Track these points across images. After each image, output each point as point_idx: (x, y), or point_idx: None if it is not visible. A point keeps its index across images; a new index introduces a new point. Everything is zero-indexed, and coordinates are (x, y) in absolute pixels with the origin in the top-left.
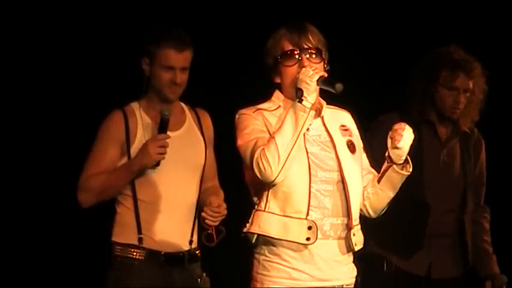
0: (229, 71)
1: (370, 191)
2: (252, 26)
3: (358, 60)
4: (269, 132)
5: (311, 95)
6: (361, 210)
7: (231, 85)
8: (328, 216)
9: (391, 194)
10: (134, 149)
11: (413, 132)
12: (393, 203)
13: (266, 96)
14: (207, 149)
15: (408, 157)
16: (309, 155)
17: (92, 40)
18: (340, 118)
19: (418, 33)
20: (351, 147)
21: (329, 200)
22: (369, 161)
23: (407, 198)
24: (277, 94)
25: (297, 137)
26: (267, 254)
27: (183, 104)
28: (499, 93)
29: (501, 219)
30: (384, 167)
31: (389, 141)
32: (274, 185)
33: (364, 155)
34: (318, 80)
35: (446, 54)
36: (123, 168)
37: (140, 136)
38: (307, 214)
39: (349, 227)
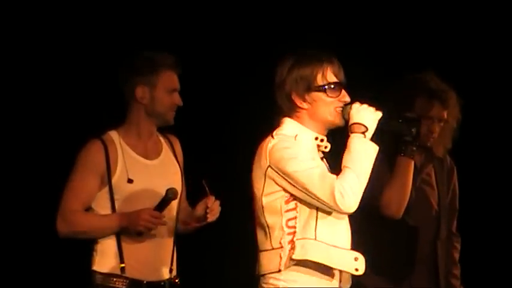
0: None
1: None
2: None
3: None
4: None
5: (372, 131)
6: None
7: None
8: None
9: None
10: (116, 179)
11: (389, 160)
12: (373, 230)
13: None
14: (182, 175)
15: None
16: None
17: (69, 67)
18: None
19: (391, 58)
20: None
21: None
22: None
23: (387, 225)
24: (291, 123)
25: (370, 172)
26: (289, 281)
27: (157, 132)
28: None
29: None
30: None
31: None
32: (322, 215)
33: None
34: (381, 120)
35: (423, 83)
36: (110, 222)
37: (121, 166)
38: (351, 245)
39: None
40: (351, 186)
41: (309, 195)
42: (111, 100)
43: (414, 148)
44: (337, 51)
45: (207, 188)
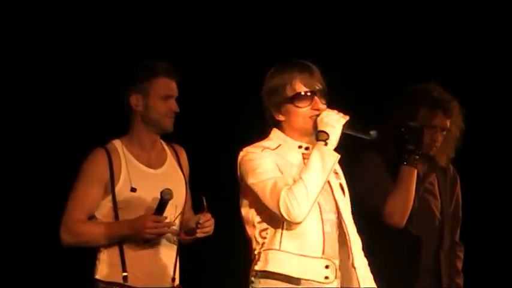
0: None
1: None
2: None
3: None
4: (280, 171)
5: (336, 139)
6: None
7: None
8: (329, 257)
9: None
10: (119, 188)
11: (392, 169)
12: (376, 239)
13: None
14: (186, 184)
15: None
16: None
17: (71, 76)
18: None
19: (393, 68)
20: (342, 190)
21: (329, 242)
22: (359, 192)
23: (390, 234)
24: (276, 133)
25: (325, 180)
26: None
27: (161, 141)
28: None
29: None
30: None
31: None
32: (289, 225)
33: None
34: (344, 125)
35: (426, 92)
36: (114, 229)
37: (125, 175)
38: (323, 253)
39: (351, 268)
40: (297, 197)
41: (264, 207)
42: (116, 109)
43: (417, 157)
44: (341, 62)
45: (205, 204)
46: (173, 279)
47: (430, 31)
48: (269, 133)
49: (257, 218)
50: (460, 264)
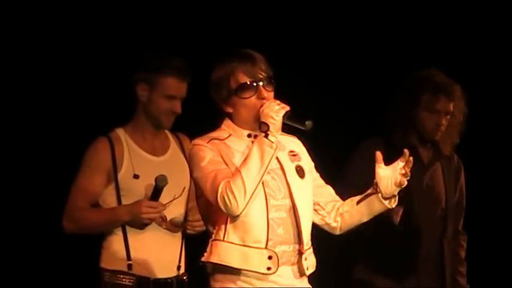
0: None
1: (346, 208)
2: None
3: (333, 86)
4: (225, 162)
5: (277, 129)
6: (327, 225)
7: None
8: (281, 244)
9: (365, 219)
10: (121, 175)
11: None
12: (383, 227)
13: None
14: (190, 172)
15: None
16: (264, 184)
17: (77, 65)
18: (288, 144)
19: (395, 57)
20: (300, 172)
21: (282, 228)
22: (348, 187)
23: (392, 223)
24: (227, 122)
25: (264, 172)
26: (224, 282)
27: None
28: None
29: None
30: (368, 192)
31: (390, 171)
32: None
33: (317, 175)
34: (284, 116)
35: (428, 78)
36: (113, 214)
37: (127, 162)
38: (267, 244)
39: (300, 253)
40: (234, 191)
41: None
42: (121, 98)
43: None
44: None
45: None
46: (178, 268)
47: (430, 21)
48: (221, 123)
49: (208, 210)
50: (463, 253)
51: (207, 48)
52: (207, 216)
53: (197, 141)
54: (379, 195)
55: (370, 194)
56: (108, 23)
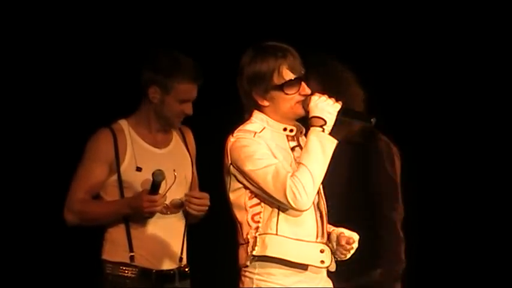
0: None
1: None
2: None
3: None
4: (274, 156)
5: (331, 124)
6: None
7: None
8: (322, 239)
9: None
10: (124, 167)
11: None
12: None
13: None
14: (193, 165)
15: None
16: None
17: (81, 56)
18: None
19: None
20: None
21: (321, 223)
22: None
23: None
24: (259, 115)
25: (327, 166)
26: (262, 273)
27: None
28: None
29: None
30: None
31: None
32: (284, 209)
33: None
34: (339, 111)
35: None
36: (114, 207)
37: (130, 154)
38: (317, 237)
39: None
40: (304, 185)
41: (265, 193)
42: (124, 89)
43: None
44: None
45: None
46: (180, 259)
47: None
48: (250, 115)
49: (250, 203)
50: None
51: (212, 43)
52: (245, 209)
53: (241, 134)
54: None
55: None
56: (113, 15)
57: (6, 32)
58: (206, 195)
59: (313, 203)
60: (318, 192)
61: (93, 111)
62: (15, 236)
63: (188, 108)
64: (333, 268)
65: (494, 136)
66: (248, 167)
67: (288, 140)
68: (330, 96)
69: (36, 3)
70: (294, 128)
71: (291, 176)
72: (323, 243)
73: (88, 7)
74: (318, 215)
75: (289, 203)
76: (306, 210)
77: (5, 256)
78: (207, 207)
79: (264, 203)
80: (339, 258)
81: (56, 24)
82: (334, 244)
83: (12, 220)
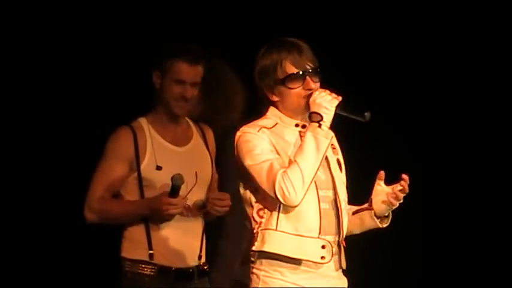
0: None
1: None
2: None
3: None
4: (277, 151)
5: (330, 120)
6: None
7: None
8: (326, 235)
9: (356, 231)
10: (144, 165)
11: None
12: None
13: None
14: (213, 164)
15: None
16: None
17: (99, 54)
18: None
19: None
20: (340, 165)
21: (325, 219)
22: None
23: None
24: (273, 111)
25: (320, 162)
26: (268, 270)
27: (188, 119)
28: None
29: None
30: (363, 206)
31: (383, 196)
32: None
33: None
34: (337, 106)
35: None
36: (133, 207)
37: (150, 152)
38: (319, 233)
39: (339, 245)
40: (292, 182)
41: (260, 189)
42: (144, 88)
43: None
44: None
45: None
46: (199, 257)
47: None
48: (266, 111)
49: (254, 198)
50: None
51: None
52: (251, 205)
53: (246, 128)
54: (372, 212)
55: (364, 209)
56: (134, 13)
57: (24, 32)
58: (227, 195)
59: (318, 196)
60: (334, 188)
61: (113, 109)
62: (35, 234)
63: (185, 91)
64: (343, 265)
65: (494, 136)
66: (247, 162)
67: (301, 136)
68: (331, 91)
69: (56, 3)
70: (307, 124)
71: (283, 172)
72: (325, 239)
73: (110, 6)
74: (334, 211)
75: (278, 198)
76: (295, 206)
77: (25, 254)
78: (228, 207)
79: (267, 198)
80: (393, 207)
81: (75, 23)
82: (384, 195)
83: (32, 218)
